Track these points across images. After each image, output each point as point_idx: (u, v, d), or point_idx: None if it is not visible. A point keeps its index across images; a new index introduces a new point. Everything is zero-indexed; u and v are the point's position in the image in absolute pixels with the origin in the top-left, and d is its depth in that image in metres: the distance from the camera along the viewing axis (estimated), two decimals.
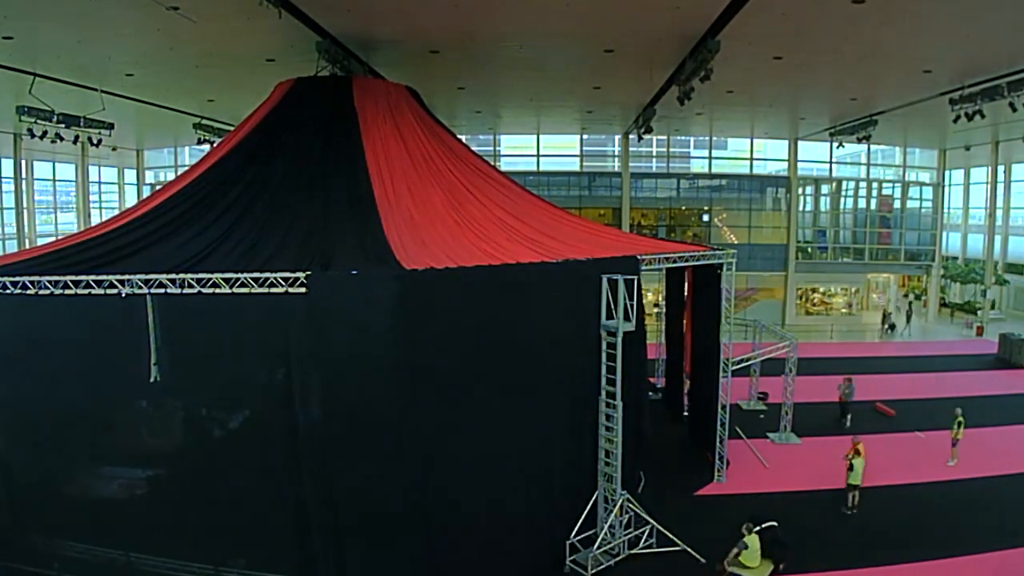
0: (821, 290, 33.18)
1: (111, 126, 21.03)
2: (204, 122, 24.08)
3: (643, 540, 10.48)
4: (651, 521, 10.48)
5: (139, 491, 10.20)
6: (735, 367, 13.55)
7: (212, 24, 13.20)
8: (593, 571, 9.81)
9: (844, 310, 32.67)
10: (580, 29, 14.08)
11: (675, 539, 10.45)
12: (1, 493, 9.88)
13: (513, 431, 9.46)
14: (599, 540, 10.05)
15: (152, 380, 11.48)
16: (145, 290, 8.67)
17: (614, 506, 10.18)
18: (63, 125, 19.23)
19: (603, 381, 10.23)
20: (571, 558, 10.01)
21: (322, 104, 12.73)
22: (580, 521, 10.31)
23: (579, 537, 10.22)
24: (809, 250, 32.99)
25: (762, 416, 17.12)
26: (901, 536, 11.05)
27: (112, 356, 10.24)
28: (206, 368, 10.58)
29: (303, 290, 8.31)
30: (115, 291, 8.73)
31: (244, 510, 9.43)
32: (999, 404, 18.51)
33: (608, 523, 10.20)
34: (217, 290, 8.48)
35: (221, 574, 9.40)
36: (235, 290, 8.43)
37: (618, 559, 10.16)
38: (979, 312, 30.60)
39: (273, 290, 8.38)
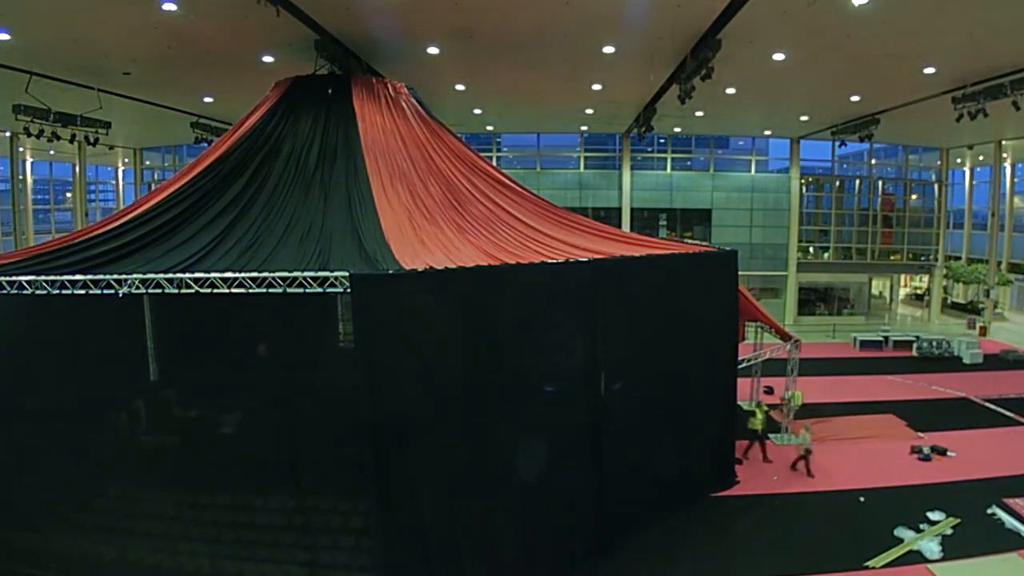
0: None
1: (108, 125, 20.95)
2: (202, 121, 24.02)
3: None
4: None
5: (135, 491, 10.15)
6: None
7: (209, 22, 13.12)
8: None
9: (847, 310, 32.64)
10: (580, 28, 14.00)
11: None
12: None
13: (512, 433, 9.36)
14: None
15: (149, 380, 11.47)
16: (143, 290, 8.58)
17: None
18: (60, 124, 19.16)
19: None
20: None
21: (320, 103, 12.63)
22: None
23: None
24: (811, 249, 32.92)
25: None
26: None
27: (109, 356, 10.19)
28: (203, 368, 10.54)
29: (300, 290, 8.22)
30: (112, 291, 8.64)
31: (241, 510, 9.38)
32: (999, 405, 18.41)
33: None
34: (215, 290, 8.39)
35: (219, 573, 9.32)
36: (233, 290, 8.35)
37: None
38: (982, 312, 30.55)
39: (271, 290, 8.29)
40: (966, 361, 23.52)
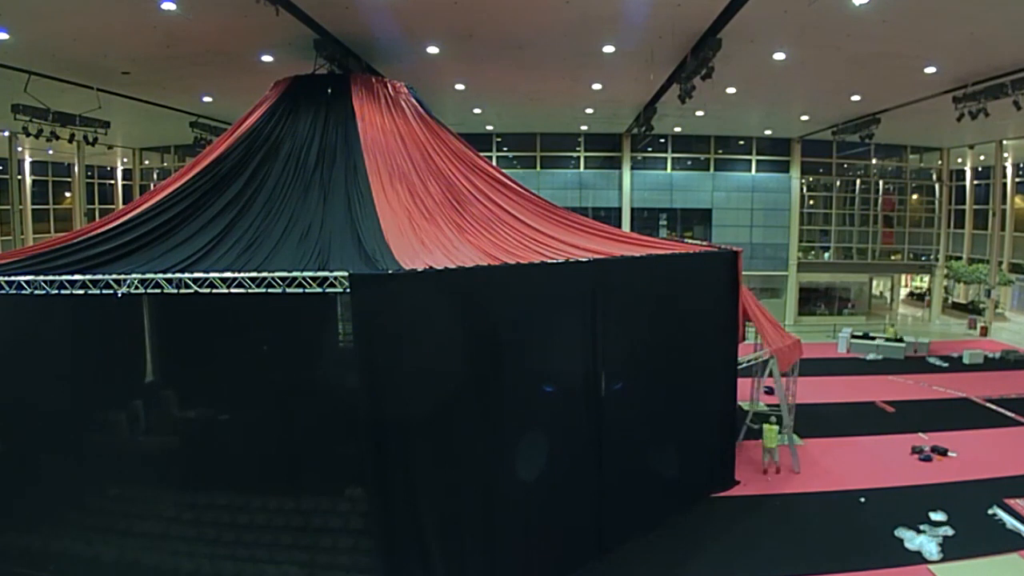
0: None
1: (107, 124, 20.93)
2: (201, 121, 23.99)
3: None
4: None
5: (134, 491, 10.14)
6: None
7: (208, 22, 13.10)
8: None
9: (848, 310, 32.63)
10: (580, 28, 13.98)
11: None
12: None
13: (512, 433, 9.33)
14: None
15: (149, 380, 11.45)
16: (142, 290, 8.56)
17: None
18: (58, 123, 19.14)
19: None
20: None
21: (320, 102, 12.60)
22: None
23: None
24: (812, 251, 32.89)
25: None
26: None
27: (108, 356, 10.19)
28: (203, 368, 10.53)
29: (300, 290, 8.20)
30: (111, 291, 8.61)
31: (240, 510, 9.36)
32: (1000, 405, 18.40)
33: None
34: (214, 290, 8.37)
35: (218, 573, 9.31)
36: (232, 290, 8.32)
37: None
38: (983, 312, 30.51)
39: (271, 291, 8.26)
40: (966, 361, 23.51)
